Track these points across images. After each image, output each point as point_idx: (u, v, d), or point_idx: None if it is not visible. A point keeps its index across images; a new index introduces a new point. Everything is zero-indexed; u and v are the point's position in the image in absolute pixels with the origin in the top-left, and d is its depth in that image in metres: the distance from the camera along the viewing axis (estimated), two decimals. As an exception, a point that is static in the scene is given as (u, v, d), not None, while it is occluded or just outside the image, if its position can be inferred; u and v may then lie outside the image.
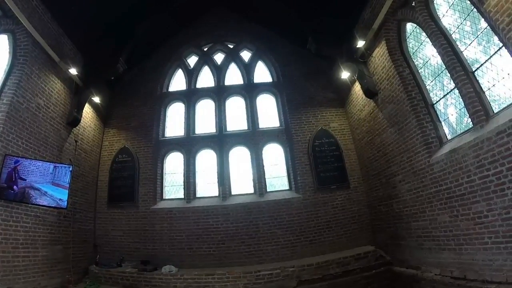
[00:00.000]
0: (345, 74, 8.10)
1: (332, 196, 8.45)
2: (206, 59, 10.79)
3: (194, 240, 8.28)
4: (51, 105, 7.37)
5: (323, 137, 8.98)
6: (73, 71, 7.76)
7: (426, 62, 6.27)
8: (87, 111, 8.86)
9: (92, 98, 8.66)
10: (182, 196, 9.11)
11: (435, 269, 5.66)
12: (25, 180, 6.30)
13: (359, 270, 6.99)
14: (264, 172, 9.04)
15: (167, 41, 10.93)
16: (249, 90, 10.03)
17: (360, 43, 7.47)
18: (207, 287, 6.95)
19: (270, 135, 9.40)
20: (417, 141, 6.10)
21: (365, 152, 8.32)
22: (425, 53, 6.34)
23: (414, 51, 6.61)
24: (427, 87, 6.28)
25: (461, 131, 5.34)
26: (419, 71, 6.47)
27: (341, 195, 8.48)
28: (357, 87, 8.22)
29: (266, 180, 9.01)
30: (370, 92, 7.53)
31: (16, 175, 6.19)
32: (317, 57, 9.45)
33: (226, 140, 9.44)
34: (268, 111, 9.88)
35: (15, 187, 6.08)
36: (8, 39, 6.33)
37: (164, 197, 9.23)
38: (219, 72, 10.47)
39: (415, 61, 6.60)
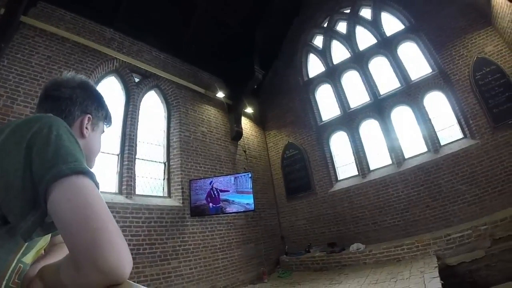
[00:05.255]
0: (479, -17, 6.42)
1: (514, 131, 6.75)
2: (331, 34, 10.35)
3: (377, 214, 8.03)
4: (213, 129, 8.62)
5: (483, 67, 7.20)
6: (220, 94, 8.89)
7: None
8: (245, 123, 9.88)
9: (244, 110, 9.66)
10: (356, 173, 8.95)
11: None
12: (228, 191, 7.49)
13: None
14: (432, 125, 7.96)
15: (287, 36, 11.10)
16: (386, 46, 9.02)
17: None
18: (397, 259, 6.70)
19: (426, 84, 8.15)
20: None
21: (537, 67, 6.31)
22: None
23: None
24: None
25: None
26: None
27: (525, 127, 6.65)
28: (497, -6, 6.37)
29: (437, 133, 7.96)
30: (512, -6, 5.74)
31: (215, 192, 7.52)
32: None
33: (383, 105, 8.78)
34: (414, 59, 8.62)
35: (211, 203, 7.29)
36: (156, 92, 7.84)
37: (338, 179, 9.28)
38: (348, 40, 9.85)
39: None
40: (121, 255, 0.59)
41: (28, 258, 0.85)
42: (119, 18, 6.97)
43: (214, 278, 6.82)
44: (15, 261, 0.79)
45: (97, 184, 0.70)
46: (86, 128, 1.02)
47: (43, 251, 0.99)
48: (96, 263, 0.56)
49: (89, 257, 0.57)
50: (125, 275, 0.60)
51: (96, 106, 1.08)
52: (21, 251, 0.81)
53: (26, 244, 0.81)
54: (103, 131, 1.15)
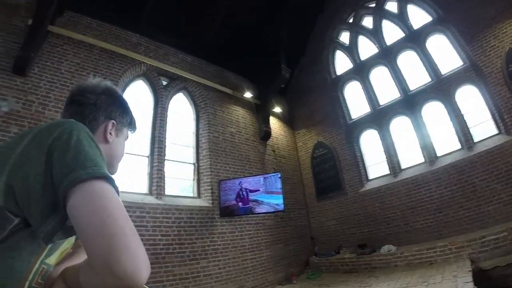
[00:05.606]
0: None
1: (550, 127, 6.34)
2: (357, 30, 10.12)
3: (409, 214, 7.77)
4: (242, 129, 8.66)
5: (515, 58, 6.86)
6: (247, 95, 8.92)
7: None
8: (273, 122, 9.82)
9: (272, 110, 9.63)
10: (387, 172, 8.71)
11: None
12: (258, 191, 7.47)
13: None
14: (465, 121, 7.63)
15: (312, 33, 10.96)
16: (414, 39, 8.72)
17: None
18: (429, 262, 6.47)
19: (457, 78, 7.78)
20: None
21: None
22: None
23: None
24: None
25: None
26: None
27: (560, 122, 6.23)
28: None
29: (470, 129, 7.59)
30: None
31: (245, 192, 7.56)
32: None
33: (413, 100, 8.48)
34: (444, 52, 8.28)
35: (240, 203, 7.30)
36: (184, 94, 7.98)
37: (369, 178, 9.09)
38: (375, 35, 9.59)
39: None
40: (137, 261, 0.59)
41: (52, 260, 0.87)
42: (143, 22, 7.11)
43: (243, 278, 6.87)
44: (38, 263, 0.80)
45: (116, 189, 0.71)
46: (110, 133, 1.04)
47: (71, 250, 1.02)
48: (112, 268, 0.57)
49: (105, 262, 0.57)
50: (141, 281, 0.59)
51: (120, 112, 1.10)
52: (44, 253, 0.82)
53: (49, 246, 0.82)
54: (127, 137, 1.17)
